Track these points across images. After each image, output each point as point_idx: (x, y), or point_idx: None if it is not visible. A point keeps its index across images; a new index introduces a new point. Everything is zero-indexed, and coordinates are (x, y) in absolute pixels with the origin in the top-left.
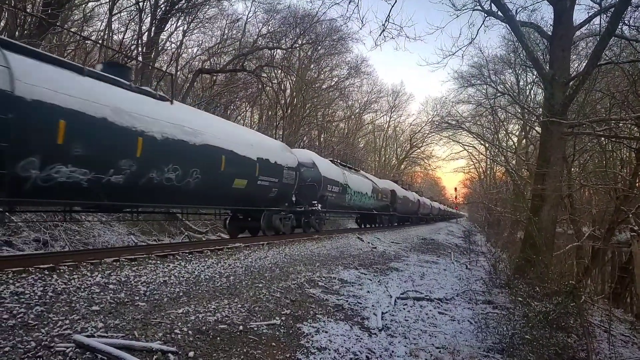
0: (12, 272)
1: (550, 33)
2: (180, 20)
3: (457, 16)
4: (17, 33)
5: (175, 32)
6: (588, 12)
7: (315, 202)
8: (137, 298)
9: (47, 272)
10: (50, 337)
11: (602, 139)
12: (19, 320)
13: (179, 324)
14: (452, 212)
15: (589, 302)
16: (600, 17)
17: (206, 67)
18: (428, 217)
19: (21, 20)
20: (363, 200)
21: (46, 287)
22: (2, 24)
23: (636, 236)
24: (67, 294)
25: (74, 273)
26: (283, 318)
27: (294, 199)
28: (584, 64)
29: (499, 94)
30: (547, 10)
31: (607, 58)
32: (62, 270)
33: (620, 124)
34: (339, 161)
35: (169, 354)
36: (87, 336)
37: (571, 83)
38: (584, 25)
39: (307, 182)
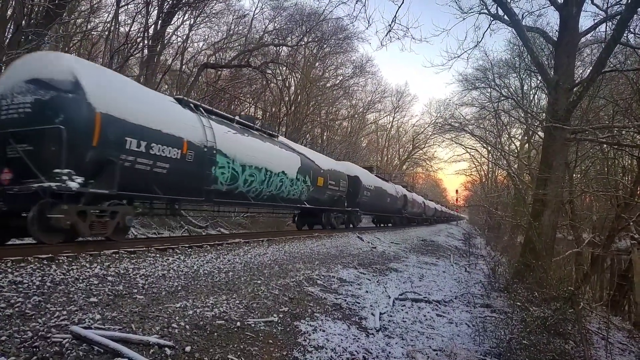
0: (11, 261)
1: (555, 39)
2: (187, 14)
3: (464, 19)
4: (23, 22)
5: (182, 26)
6: (594, 19)
7: (59, 171)
8: (135, 291)
9: (45, 262)
10: (47, 328)
11: (605, 146)
12: (17, 309)
13: (177, 318)
14: (452, 214)
15: (588, 308)
16: (606, 25)
17: (211, 61)
18: (420, 218)
19: (28, 10)
20: (275, 184)
21: (44, 277)
22: (9, 13)
23: (636, 244)
24: (65, 284)
25: (73, 264)
26: (281, 315)
27: None
28: (589, 70)
29: (502, 98)
30: (553, 15)
31: (612, 65)
32: (61, 261)
33: (623, 132)
34: (202, 105)
35: (166, 348)
36: (84, 328)
37: (575, 89)
38: (590, 32)
39: (27, 125)
